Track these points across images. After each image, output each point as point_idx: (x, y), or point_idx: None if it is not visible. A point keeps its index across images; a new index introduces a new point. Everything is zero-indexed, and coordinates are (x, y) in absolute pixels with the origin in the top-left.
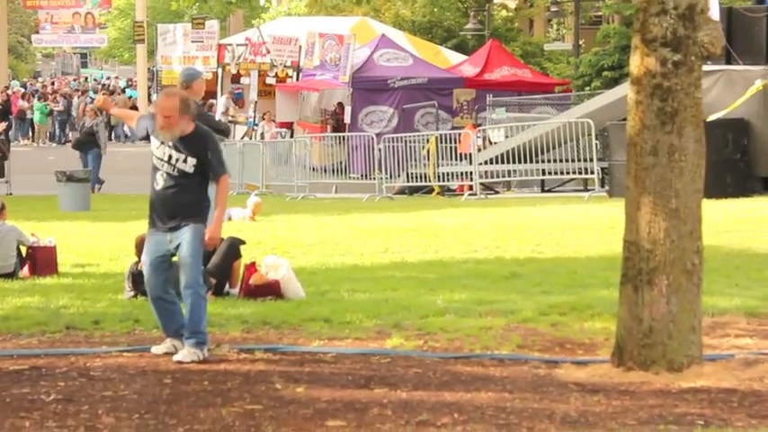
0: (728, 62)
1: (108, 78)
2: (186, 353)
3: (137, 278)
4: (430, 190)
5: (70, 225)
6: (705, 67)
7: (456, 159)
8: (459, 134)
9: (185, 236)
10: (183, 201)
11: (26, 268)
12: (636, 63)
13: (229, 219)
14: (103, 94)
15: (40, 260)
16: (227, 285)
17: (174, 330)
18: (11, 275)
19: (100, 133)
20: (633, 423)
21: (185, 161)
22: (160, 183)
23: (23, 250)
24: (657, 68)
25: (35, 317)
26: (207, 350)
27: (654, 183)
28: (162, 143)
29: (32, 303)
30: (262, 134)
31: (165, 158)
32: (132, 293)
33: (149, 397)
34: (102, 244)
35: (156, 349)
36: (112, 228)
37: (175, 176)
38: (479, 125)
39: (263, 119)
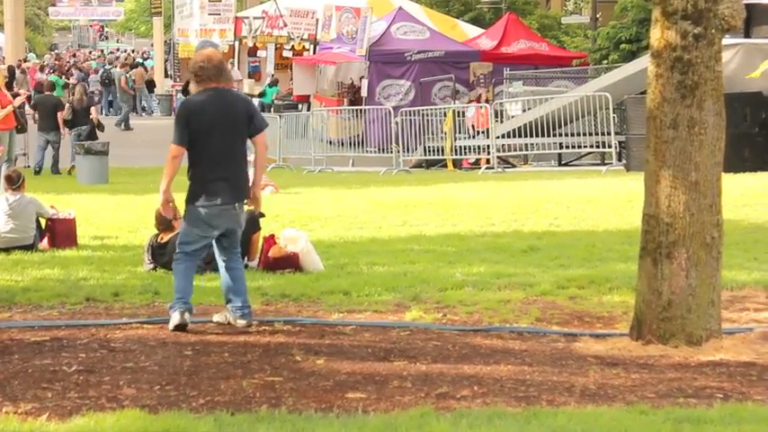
0: (748, 35)
1: (125, 51)
2: None
3: (156, 251)
4: (445, 164)
5: (89, 197)
6: (724, 41)
7: (473, 133)
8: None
9: None
10: None
11: (45, 240)
12: (656, 36)
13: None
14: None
15: (60, 232)
16: (246, 258)
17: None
18: (30, 247)
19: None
20: (652, 396)
21: None
22: None
23: (43, 222)
24: (678, 41)
25: (55, 288)
26: (178, 314)
27: (674, 156)
28: None
29: (52, 275)
30: None
31: None
32: (152, 266)
33: (170, 368)
34: (120, 216)
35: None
36: (131, 200)
37: None
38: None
39: None
